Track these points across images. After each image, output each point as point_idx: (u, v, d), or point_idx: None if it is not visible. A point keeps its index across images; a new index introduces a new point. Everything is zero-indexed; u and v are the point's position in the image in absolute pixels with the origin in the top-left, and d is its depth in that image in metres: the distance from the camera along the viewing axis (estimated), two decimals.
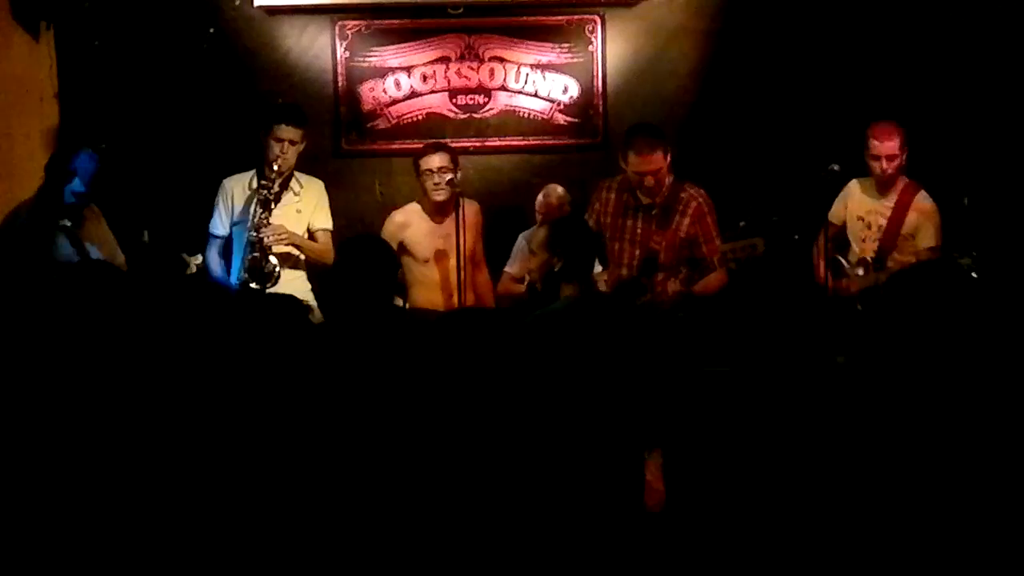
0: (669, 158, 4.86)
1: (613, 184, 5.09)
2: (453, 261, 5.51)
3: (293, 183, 5.43)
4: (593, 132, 6.96)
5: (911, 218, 5.28)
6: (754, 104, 6.75)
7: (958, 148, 6.40)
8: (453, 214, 5.47)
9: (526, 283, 6.04)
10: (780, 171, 5.72)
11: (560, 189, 6.24)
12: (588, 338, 3.71)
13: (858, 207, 5.41)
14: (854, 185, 5.49)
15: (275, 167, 5.22)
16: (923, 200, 5.32)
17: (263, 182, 5.23)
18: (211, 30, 6.58)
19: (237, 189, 5.44)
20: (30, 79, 6.06)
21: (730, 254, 4.62)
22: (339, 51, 6.85)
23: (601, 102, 6.96)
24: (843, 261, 5.44)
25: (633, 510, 3.74)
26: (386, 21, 6.87)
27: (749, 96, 6.78)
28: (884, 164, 5.21)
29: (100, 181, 5.02)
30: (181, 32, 6.55)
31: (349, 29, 6.85)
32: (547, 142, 7.00)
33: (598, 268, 5.17)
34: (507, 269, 6.18)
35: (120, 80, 6.45)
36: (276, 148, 5.26)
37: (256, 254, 5.21)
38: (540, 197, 6.21)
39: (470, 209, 5.66)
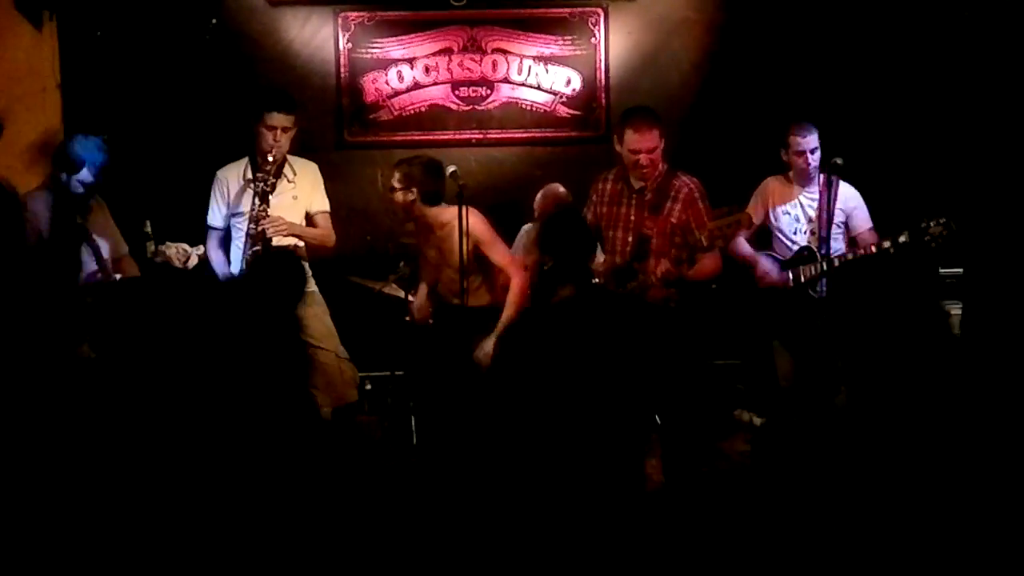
0: (664, 143, 4.88)
1: (609, 175, 5.12)
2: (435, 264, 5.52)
3: (287, 169, 5.38)
4: (596, 125, 6.96)
5: (839, 204, 5.45)
6: (757, 96, 6.75)
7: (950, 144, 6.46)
8: (449, 220, 5.40)
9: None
10: (783, 163, 5.72)
11: (561, 189, 6.23)
12: (583, 336, 3.67)
13: (782, 202, 5.66)
14: (772, 182, 5.75)
15: (270, 157, 5.18)
16: (847, 188, 5.53)
17: (258, 174, 5.19)
18: (214, 21, 6.58)
19: (232, 179, 5.40)
20: (33, 69, 6.05)
21: (717, 231, 4.65)
22: (341, 42, 6.85)
23: (604, 95, 6.97)
24: (777, 256, 5.58)
25: (632, 500, 3.74)
26: (388, 12, 6.87)
27: (752, 88, 6.78)
28: (808, 158, 5.49)
29: (108, 170, 5.00)
30: (184, 23, 6.55)
31: (352, 20, 6.86)
32: (549, 135, 7.01)
33: (600, 257, 5.20)
34: None
35: (123, 70, 6.46)
36: (269, 137, 5.21)
37: (257, 247, 5.18)
38: (538, 197, 6.20)
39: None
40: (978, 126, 6.44)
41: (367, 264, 6.18)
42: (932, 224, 5.21)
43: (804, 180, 5.58)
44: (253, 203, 5.19)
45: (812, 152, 5.49)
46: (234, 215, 5.40)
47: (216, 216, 5.45)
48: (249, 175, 5.33)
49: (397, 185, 5.37)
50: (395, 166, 5.45)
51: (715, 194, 5.07)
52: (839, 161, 5.28)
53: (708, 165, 5.69)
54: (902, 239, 5.29)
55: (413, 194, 5.31)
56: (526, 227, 6.22)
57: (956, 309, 6.14)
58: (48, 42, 6.20)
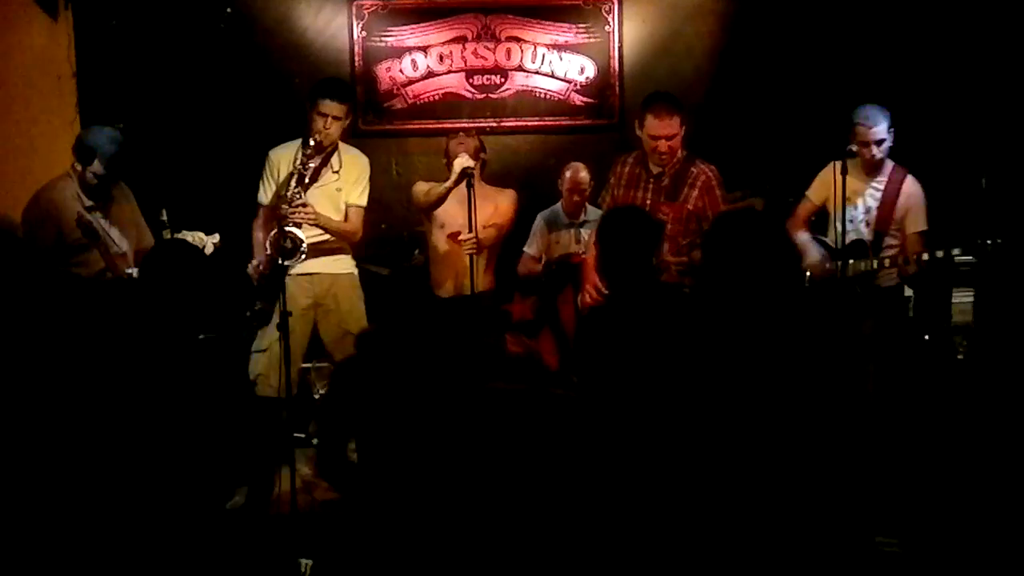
0: (684, 130, 4.88)
1: (628, 158, 5.11)
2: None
3: (334, 159, 5.33)
4: (609, 113, 6.97)
5: (901, 202, 5.29)
6: (769, 83, 6.75)
7: (963, 132, 6.43)
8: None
9: (543, 262, 6.07)
10: (795, 150, 5.71)
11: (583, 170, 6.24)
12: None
13: (845, 190, 5.42)
14: (838, 166, 5.48)
15: (311, 143, 5.15)
16: (912, 184, 5.32)
17: (301, 157, 5.18)
18: (228, 9, 6.60)
19: (284, 160, 5.34)
20: (48, 59, 6.08)
21: None
22: (356, 31, 6.86)
23: (618, 82, 6.97)
24: (829, 242, 5.44)
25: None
26: (402, 1, 6.88)
27: (764, 76, 6.78)
28: (873, 149, 5.21)
29: (121, 161, 5.00)
30: (199, 11, 6.57)
31: (366, 9, 6.86)
32: (563, 122, 7.01)
33: None
34: (526, 249, 6.18)
35: (138, 60, 6.48)
36: (319, 123, 5.17)
37: (283, 228, 5.15)
38: (568, 173, 6.14)
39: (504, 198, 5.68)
40: (994, 115, 6.44)
41: (381, 252, 6.20)
42: (990, 244, 5.07)
43: (869, 170, 5.29)
44: (290, 184, 5.18)
45: (878, 144, 5.19)
46: (281, 196, 5.36)
47: (266, 195, 5.40)
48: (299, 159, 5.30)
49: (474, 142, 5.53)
50: (459, 134, 5.63)
51: (728, 181, 5.07)
52: (853, 148, 5.24)
53: (722, 152, 5.67)
54: (955, 252, 5.15)
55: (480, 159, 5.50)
56: (542, 214, 6.23)
57: (968, 296, 6.10)
58: (64, 32, 6.23)
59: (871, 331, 5.29)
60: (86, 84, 6.33)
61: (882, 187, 5.30)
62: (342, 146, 5.37)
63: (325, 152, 5.26)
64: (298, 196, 5.12)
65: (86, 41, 6.35)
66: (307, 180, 5.16)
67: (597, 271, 4.36)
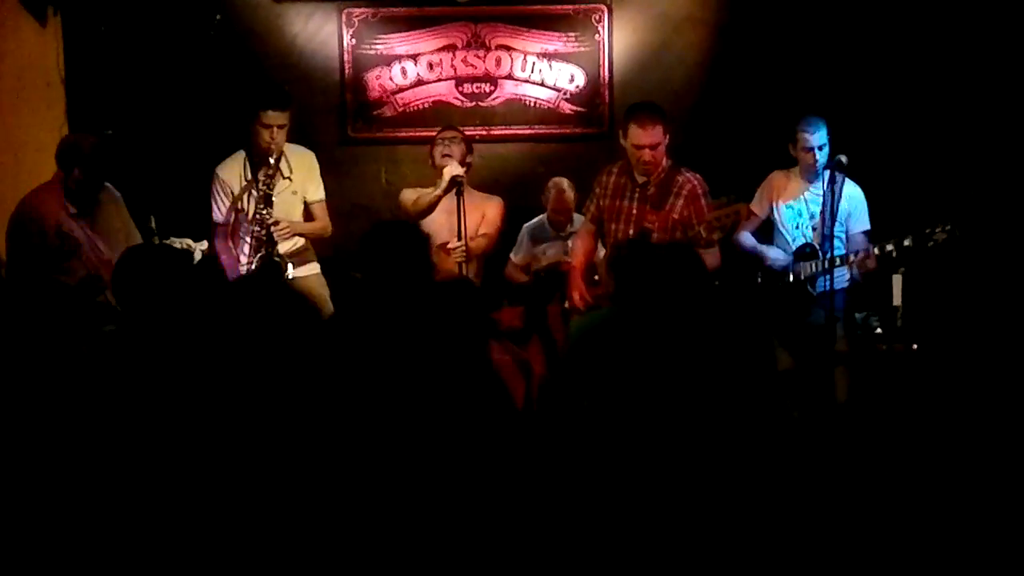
0: (668, 139, 4.91)
1: (614, 168, 5.15)
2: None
3: (283, 165, 5.30)
4: (599, 121, 6.97)
5: (843, 204, 5.43)
6: (760, 94, 6.75)
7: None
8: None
9: (530, 272, 6.07)
10: (785, 157, 5.72)
11: (565, 182, 6.23)
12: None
13: (787, 197, 5.61)
14: (777, 176, 5.69)
15: (271, 160, 5.12)
16: (851, 187, 5.49)
17: (260, 176, 5.14)
18: (218, 17, 6.59)
19: (233, 178, 5.31)
20: (37, 64, 6.07)
21: (716, 222, 4.71)
22: (345, 38, 6.86)
23: (607, 91, 6.98)
24: (781, 250, 5.56)
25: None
26: (392, 9, 6.89)
27: (755, 86, 6.78)
28: (815, 154, 5.42)
29: (102, 167, 4.98)
30: (188, 18, 6.56)
31: (356, 16, 6.86)
32: (553, 131, 7.01)
33: (601, 251, 5.22)
34: (512, 257, 6.18)
35: (127, 66, 6.46)
36: (265, 135, 5.12)
37: (262, 252, 5.14)
38: (552, 192, 6.17)
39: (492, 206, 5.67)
40: (982, 125, 6.47)
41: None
42: (938, 230, 5.17)
43: (810, 176, 5.51)
44: (257, 206, 5.15)
45: (820, 148, 5.42)
46: (239, 211, 5.35)
47: (221, 214, 5.39)
48: (249, 174, 5.28)
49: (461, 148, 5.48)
50: (447, 135, 5.57)
51: (718, 192, 5.08)
52: (843, 159, 5.28)
53: (711, 162, 5.69)
54: (906, 243, 5.25)
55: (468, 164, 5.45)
56: (527, 224, 6.23)
57: None
58: (52, 37, 6.21)
59: (844, 342, 5.40)
60: (75, 90, 6.31)
61: (821, 192, 5.44)
62: (286, 148, 5.34)
63: (276, 162, 5.24)
64: (268, 216, 5.09)
65: (75, 47, 6.33)
66: (272, 199, 5.15)
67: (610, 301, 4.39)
